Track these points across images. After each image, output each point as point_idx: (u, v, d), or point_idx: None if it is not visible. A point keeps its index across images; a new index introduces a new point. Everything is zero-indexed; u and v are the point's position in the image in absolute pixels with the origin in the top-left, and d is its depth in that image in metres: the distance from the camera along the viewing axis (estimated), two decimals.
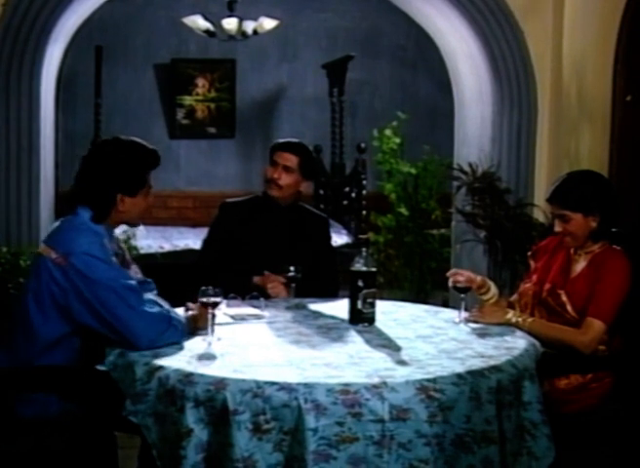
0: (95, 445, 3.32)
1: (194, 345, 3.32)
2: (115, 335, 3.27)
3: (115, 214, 3.47)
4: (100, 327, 3.28)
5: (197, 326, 3.45)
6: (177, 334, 3.32)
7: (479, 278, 3.97)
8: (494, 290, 4.00)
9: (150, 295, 3.43)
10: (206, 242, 4.71)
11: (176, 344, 3.29)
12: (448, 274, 3.98)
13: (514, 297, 4.08)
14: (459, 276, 3.92)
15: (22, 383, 3.38)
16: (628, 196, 5.18)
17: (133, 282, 3.37)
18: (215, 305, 3.39)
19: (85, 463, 3.31)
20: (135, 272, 3.63)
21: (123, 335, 3.24)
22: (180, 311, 3.54)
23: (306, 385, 2.82)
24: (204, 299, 3.39)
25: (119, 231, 3.99)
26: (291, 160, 4.55)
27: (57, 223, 3.52)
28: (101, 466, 3.34)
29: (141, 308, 3.28)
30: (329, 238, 4.80)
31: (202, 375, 2.92)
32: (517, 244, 6.17)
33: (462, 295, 3.88)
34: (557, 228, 3.81)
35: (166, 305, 3.43)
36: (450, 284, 3.94)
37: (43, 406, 3.36)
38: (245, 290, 4.31)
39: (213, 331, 3.38)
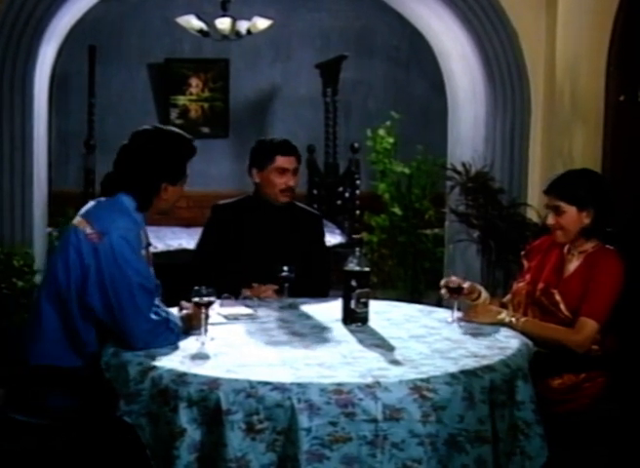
0: (103, 444, 3.31)
1: (187, 345, 3.32)
2: (114, 326, 3.27)
3: (156, 203, 3.51)
4: (103, 312, 3.29)
5: (191, 325, 3.45)
6: (172, 337, 3.33)
7: (467, 284, 3.97)
8: (484, 294, 4.01)
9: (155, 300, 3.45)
10: (199, 245, 4.70)
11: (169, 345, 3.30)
12: (441, 284, 3.98)
13: (507, 298, 4.09)
14: (450, 280, 3.94)
15: (31, 381, 3.40)
16: (621, 196, 5.17)
17: (151, 282, 3.39)
18: (208, 305, 3.40)
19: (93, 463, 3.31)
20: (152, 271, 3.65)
21: (121, 329, 3.25)
22: (174, 311, 3.54)
23: (300, 385, 2.82)
24: (197, 299, 3.39)
25: None
26: (296, 162, 4.54)
27: (93, 202, 3.53)
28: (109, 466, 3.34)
29: (149, 312, 3.29)
30: (322, 234, 4.80)
31: (195, 375, 2.93)
32: (510, 244, 6.18)
33: (455, 295, 3.89)
34: (550, 221, 3.83)
35: (163, 307, 3.43)
36: (442, 289, 3.94)
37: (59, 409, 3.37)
38: (239, 290, 4.31)
39: (206, 330, 3.38)
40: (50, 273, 3.47)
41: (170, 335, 3.32)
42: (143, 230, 3.51)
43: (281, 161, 4.50)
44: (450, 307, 3.89)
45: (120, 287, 3.27)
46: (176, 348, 3.27)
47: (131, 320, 3.24)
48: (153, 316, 3.29)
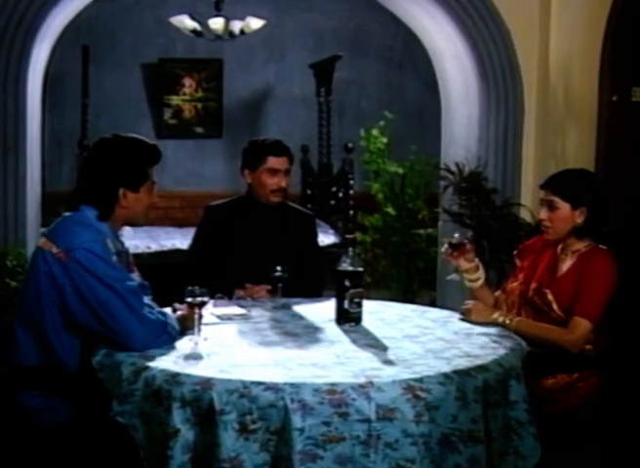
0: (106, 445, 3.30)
1: (181, 345, 3.31)
2: (109, 334, 3.25)
3: (119, 211, 3.45)
4: (95, 324, 3.26)
5: (185, 326, 3.44)
6: (170, 340, 3.32)
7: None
8: (481, 272, 4.02)
9: (146, 300, 3.44)
10: (193, 246, 4.70)
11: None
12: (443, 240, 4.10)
13: (498, 293, 4.09)
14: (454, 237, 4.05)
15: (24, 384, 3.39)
16: (615, 195, 5.18)
17: (134, 283, 3.38)
18: (201, 305, 3.39)
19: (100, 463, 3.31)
20: (137, 275, 3.64)
21: (118, 336, 3.23)
22: (167, 311, 3.53)
23: (293, 385, 2.82)
24: (190, 299, 3.39)
25: None
26: (288, 162, 4.54)
27: (59, 219, 3.49)
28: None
29: (142, 312, 3.27)
30: (315, 235, 4.80)
31: (188, 375, 2.92)
32: (504, 244, 6.17)
33: (455, 254, 3.98)
34: (542, 215, 3.84)
35: (159, 309, 3.42)
36: (443, 246, 4.02)
37: (56, 414, 3.35)
38: (232, 290, 4.31)
39: (199, 330, 3.38)
40: (22, 298, 3.46)
41: (168, 339, 3.31)
42: (111, 238, 3.45)
43: (272, 162, 4.49)
44: (444, 307, 3.94)
45: (103, 296, 3.24)
46: (169, 348, 3.26)
47: (125, 323, 3.22)
48: (149, 315, 3.28)
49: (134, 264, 3.68)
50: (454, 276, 4.06)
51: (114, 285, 3.26)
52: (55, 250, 3.31)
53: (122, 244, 3.59)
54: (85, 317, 3.28)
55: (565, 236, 3.83)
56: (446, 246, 4.00)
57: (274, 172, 4.49)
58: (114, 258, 3.38)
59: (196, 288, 3.39)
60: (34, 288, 3.36)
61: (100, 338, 3.30)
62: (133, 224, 3.64)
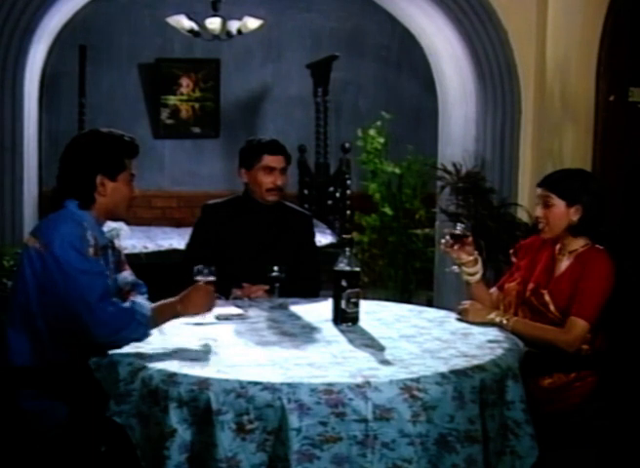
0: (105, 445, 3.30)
1: (178, 345, 3.31)
2: (77, 325, 3.23)
3: (100, 199, 3.45)
4: (64, 316, 3.25)
5: (186, 310, 3.39)
6: (140, 327, 3.26)
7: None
8: (479, 266, 4.02)
9: (140, 298, 3.43)
10: (189, 245, 4.70)
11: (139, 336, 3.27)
12: (445, 231, 4.09)
13: (494, 290, 4.09)
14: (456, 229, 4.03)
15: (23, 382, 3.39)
16: (611, 196, 5.19)
17: (105, 278, 3.35)
18: (209, 285, 3.43)
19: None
20: (129, 273, 3.64)
21: (87, 326, 3.20)
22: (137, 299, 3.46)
23: (290, 385, 2.82)
24: (199, 277, 3.41)
25: None
26: (284, 161, 4.55)
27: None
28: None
29: (107, 301, 3.25)
30: (312, 235, 4.80)
31: (185, 375, 2.92)
32: (501, 243, 6.18)
33: (456, 247, 3.97)
34: (537, 213, 3.85)
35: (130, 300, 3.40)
36: (444, 238, 4.01)
37: (53, 416, 3.35)
38: (229, 290, 4.31)
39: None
40: (11, 297, 3.46)
41: (137, 326, 3.25)
42: (96, 231, 3.44)
43: (268, 160, 4.50)
44: (442, 307, 3.92)
45: (74, 288, 3.22)
46: (166, 348, 3.26)
47: (94, 312, 3.19)
48: (115, 306, 3.25)
49: (125, 263, 3.67)
50: (454, 268, 4.06)
51: (81, 277, 3.24)
52: (37, 244, 3.32)
53: (110, 241, 3.59)
54: (55, 309, 3.27)
55: (561, 235, 3.83)
56: (447, 237, 4.00)
57: (270, 170, 4.50)
58: (91, 251, 3.34)
59: (202, 266, 3.42)
60: (22, 286, 3.36)
61: (68, 333, 3.29)
62: (115, 218, 3.62)
